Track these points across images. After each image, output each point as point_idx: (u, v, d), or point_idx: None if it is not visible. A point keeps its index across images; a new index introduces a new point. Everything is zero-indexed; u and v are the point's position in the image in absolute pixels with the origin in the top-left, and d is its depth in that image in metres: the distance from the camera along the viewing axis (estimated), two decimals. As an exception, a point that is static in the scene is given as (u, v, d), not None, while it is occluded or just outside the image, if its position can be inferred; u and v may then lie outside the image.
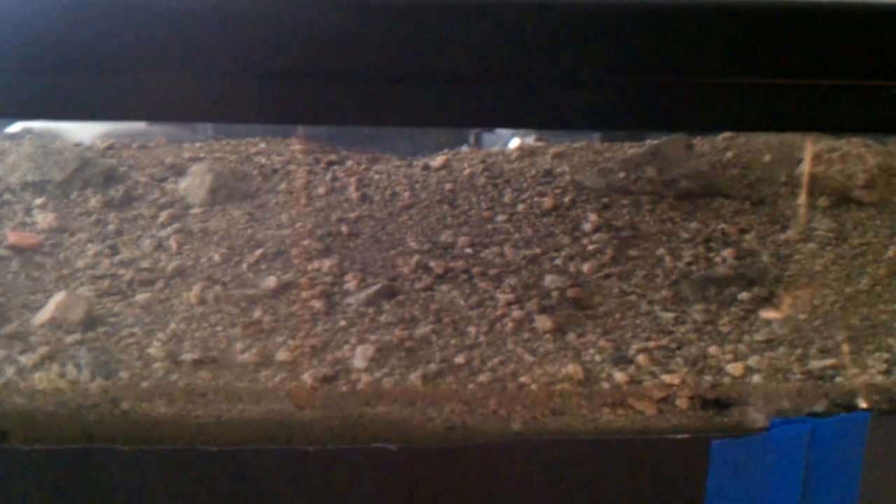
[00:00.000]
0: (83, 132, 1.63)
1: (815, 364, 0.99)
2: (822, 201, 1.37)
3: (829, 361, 1.00)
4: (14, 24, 0.74)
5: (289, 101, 0.80)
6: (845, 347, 1.02)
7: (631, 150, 1.49)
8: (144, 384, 0.95)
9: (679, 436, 0.92)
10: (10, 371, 0.97)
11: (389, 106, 0.80)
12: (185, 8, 0.75)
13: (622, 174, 1.40)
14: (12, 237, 1.26)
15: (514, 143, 1.64)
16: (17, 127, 1.67)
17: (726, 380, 0.97)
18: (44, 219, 1.31)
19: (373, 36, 0.76)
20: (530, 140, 1.64)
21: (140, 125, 1.69)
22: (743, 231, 1.29)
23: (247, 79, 0.78)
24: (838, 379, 0.97)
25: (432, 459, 0.92)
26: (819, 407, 0.95)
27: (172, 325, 1.05)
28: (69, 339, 1.03)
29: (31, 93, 0.78)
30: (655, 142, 1.47)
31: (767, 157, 1.48)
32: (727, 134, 1.55)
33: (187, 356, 1.00)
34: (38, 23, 0.74)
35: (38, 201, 1.38)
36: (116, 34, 0.75)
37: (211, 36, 0.76)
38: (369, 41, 0.76)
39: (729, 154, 1.49)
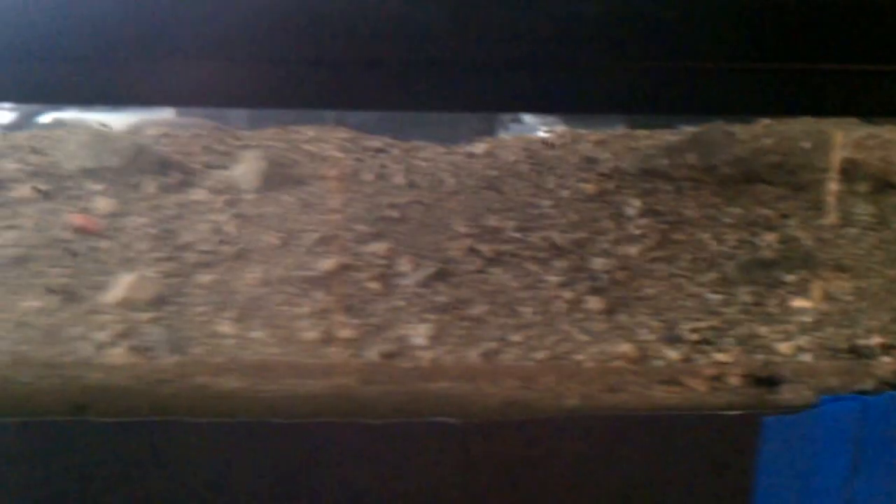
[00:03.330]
0: (113, 123, 1.67)
1: (862, 343, 1.02)
2: (862, 187, 1.40)
3: (875, 341, 1.03)
4: (46, 17, 0.77)
5: (325, 86, 0.82)
6: (890, 327, 1.05)
7: (672, 137, 1.52)
8: (216, 360, 0.99)
9: (731, 412, 0.95)
10: (87, 348, 1.01)
11: (429, 91, 0.83)
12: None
13: (664, 160, 1.43)
14: (78, 221, 1.30)
15: (543, 128, 1.68)
16: (48, 117, 1.71)
17: (776, 358, 1.00)
18: (104, 204, 1.35)
19: (415, 22, 0.78)
20: (557, 128, 1.67)
21: (170, 114, 1.72)
22: (785, 216, 1.32)
23: (282, 65, 0.80)
24: (885, 358, 1.00)
25: (492, 433, 0.95)
26: (867, 385, 0.98)
27: (238, 305, 1.09)
28: (141, 317, 1.07)
29: (65, 82, 0.81)
30: (694, 129, 1.50)
31: (806, 144, 1.51)
32: (765, 121, 1.58)
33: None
34: (72, 14, 0.77)
35: (97, 187, 1.42)
36: (149, 23, 0.78)
37: (242, 23, 0.78)
38: (409, 28, 0.78)
39: (768, 141, 1.52)
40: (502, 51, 0.79)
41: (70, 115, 1.69)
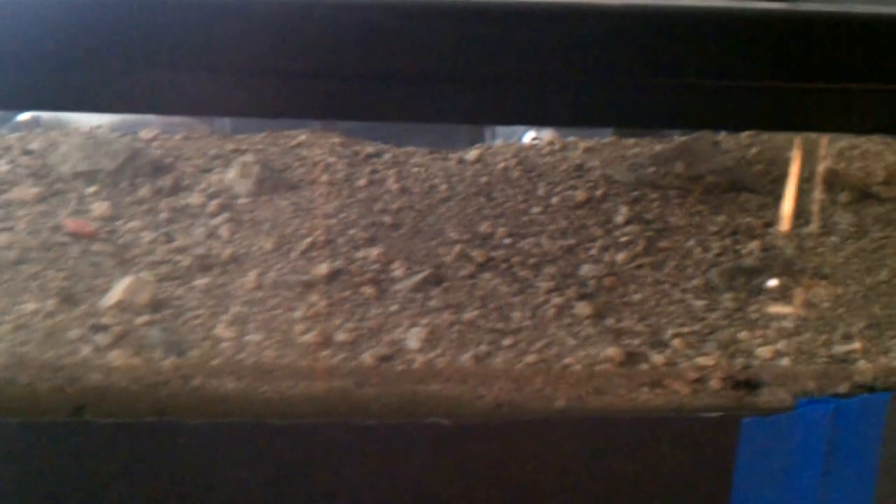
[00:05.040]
0: (91, 121, 1.68)
1: (839, 348, 1.06)
2: (844, 197, 1.43)
3: (852, 346, 1.06)
4: (35, 24, 0.79)
5: (314, 96, 0.84)
6: (867, 333, 1.09)
7: (659, 146, 1.55)
8: (214, 362, 1.02)
9: (712, 414, 0.98)
10: (86, 349, 1.03)
11: (418, 103, 0.85)
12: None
13: (651, 169, 1.47)
14: (71, 225, 1.32)
15: (529, 135, 1.71)
16: (27, 115, 1.73)
17: (756, 362, 1.03)
18: (98, 207, 1.37)
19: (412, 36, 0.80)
20: (544, 134, 1.70)
21: (149, 116, 1.74)
22: (768, 224, 1.35)
23: (264, 76, 0.81)
24: (860, 362, 1.04)
25: (483, 434, 0.98)
26: (842, 388, 1.02)
27: (234, 308, 1.12)
28: (139, 320, 1.09)
29: (48, 86, 0.81)
30: (683, 138, 1.53)
31: (790, 154, 1.54)
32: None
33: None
34: (58, 21, 0.78)
35: (90, 190, 1.44)
36: (130, 32, 0.79)
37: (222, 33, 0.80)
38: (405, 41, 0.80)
39: (753, 150, 1.55)
40: (495, 64, 0.81)
41: (46, 114, 1.71)
